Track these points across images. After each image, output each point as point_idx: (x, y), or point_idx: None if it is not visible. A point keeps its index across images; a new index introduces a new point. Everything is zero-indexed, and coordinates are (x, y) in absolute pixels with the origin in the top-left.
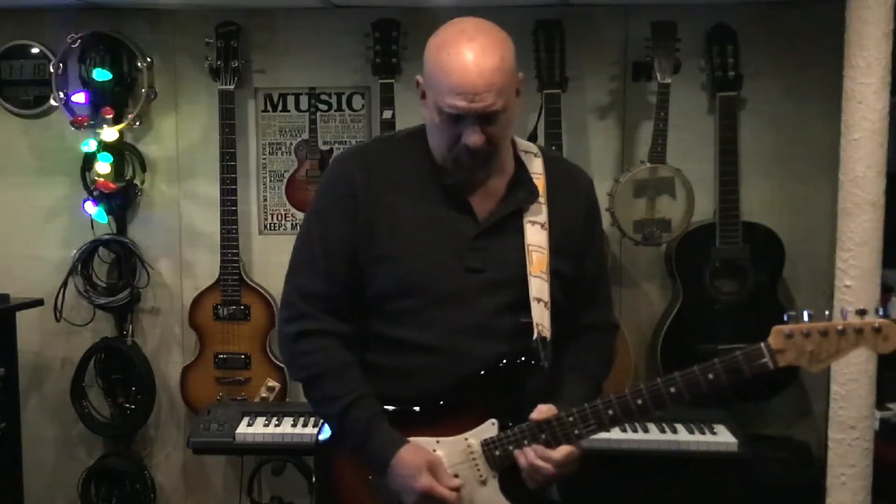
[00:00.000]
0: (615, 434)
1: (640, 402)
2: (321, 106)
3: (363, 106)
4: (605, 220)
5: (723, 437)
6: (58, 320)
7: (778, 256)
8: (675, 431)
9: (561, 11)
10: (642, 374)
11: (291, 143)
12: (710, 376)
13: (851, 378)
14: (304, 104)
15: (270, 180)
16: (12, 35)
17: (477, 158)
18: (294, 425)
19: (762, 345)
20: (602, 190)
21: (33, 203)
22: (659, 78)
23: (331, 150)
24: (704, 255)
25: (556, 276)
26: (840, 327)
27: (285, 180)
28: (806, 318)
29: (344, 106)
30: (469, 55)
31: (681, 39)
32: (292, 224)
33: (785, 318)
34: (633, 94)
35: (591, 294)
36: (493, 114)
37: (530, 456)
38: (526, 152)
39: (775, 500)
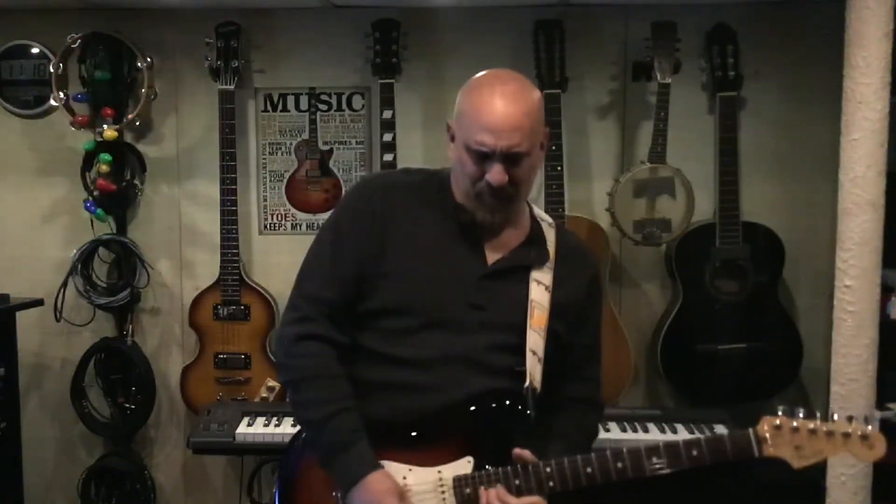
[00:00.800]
0: (615, 434)
1: (619, 465)
2: (321, 106)
3: (363, 106)
4: (605, 220)
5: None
6: (58, 320)
7: (778, 256)
8: (674, 431)
9: (561, 11)
10: (643, 374)
11: (291, 143)
12: (694, 452)
13: (851, 378)
14: (304, 104)
15: (270, 180)
16: (12, 35)
17: (499, 198)
18: (294, 425)
19: (750, 431)
20: (602, 189)
21: (33, 203)
22: (659, 78)
23: (331, 150)
24: (704, 255)
25: (553, 338)
26: (828, 430)
27: (285, 180)
28: (800, 414)
29: (344, 106)
30: (500, 97)
31: (681, 39)
32: (292, 224)
33: (779, 411)
34: (633, 94)
35: (580, 369)
36: (517, 155)
37: (491, 496)
38: (541, 219)
39: (775, 500)
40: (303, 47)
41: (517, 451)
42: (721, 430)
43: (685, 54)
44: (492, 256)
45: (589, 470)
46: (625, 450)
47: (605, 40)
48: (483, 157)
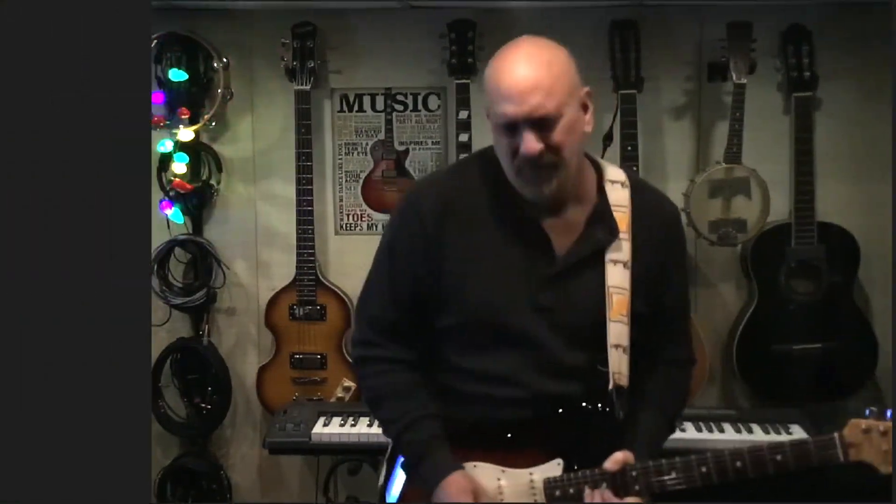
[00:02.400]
0: (691, 434)
1: (703, 469)
2: (397, 106)
3: (439, 106)
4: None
5: (798, 437)
6: None
7: (853, 257)
8: (750, 431)
9: (636, 11)
10: (718, 375)
11: (367, 144)
12: (778, 458)
13: None
14: (379, 104)
15: (346, 180)
16: None
17: (539, 169)
18: (370, 425)
19: (835, 436)
20: (678, 190)
21: None
22: (734, 78)
23: (406, 151)
24: (779, 256)
25: (637, 318)
26: None
27: (361, 180)
28: (888, 415)
29: (420, 106)
30: (513, 61)
31: (756, 40)
32: (368, 224)
33: (867, 413)
34: (708, 94)
35: (669, 329)
36: (544, 118)
37: (595, 497)
38: (613, 182)
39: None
40: (378, 47)
41: (607, 464)
42: (797, 430)
43: (760, 54)
44: (560, 246)
45: (673, 475)
46: (709, 454)
47: (680, 41)
48: (513, 130)
